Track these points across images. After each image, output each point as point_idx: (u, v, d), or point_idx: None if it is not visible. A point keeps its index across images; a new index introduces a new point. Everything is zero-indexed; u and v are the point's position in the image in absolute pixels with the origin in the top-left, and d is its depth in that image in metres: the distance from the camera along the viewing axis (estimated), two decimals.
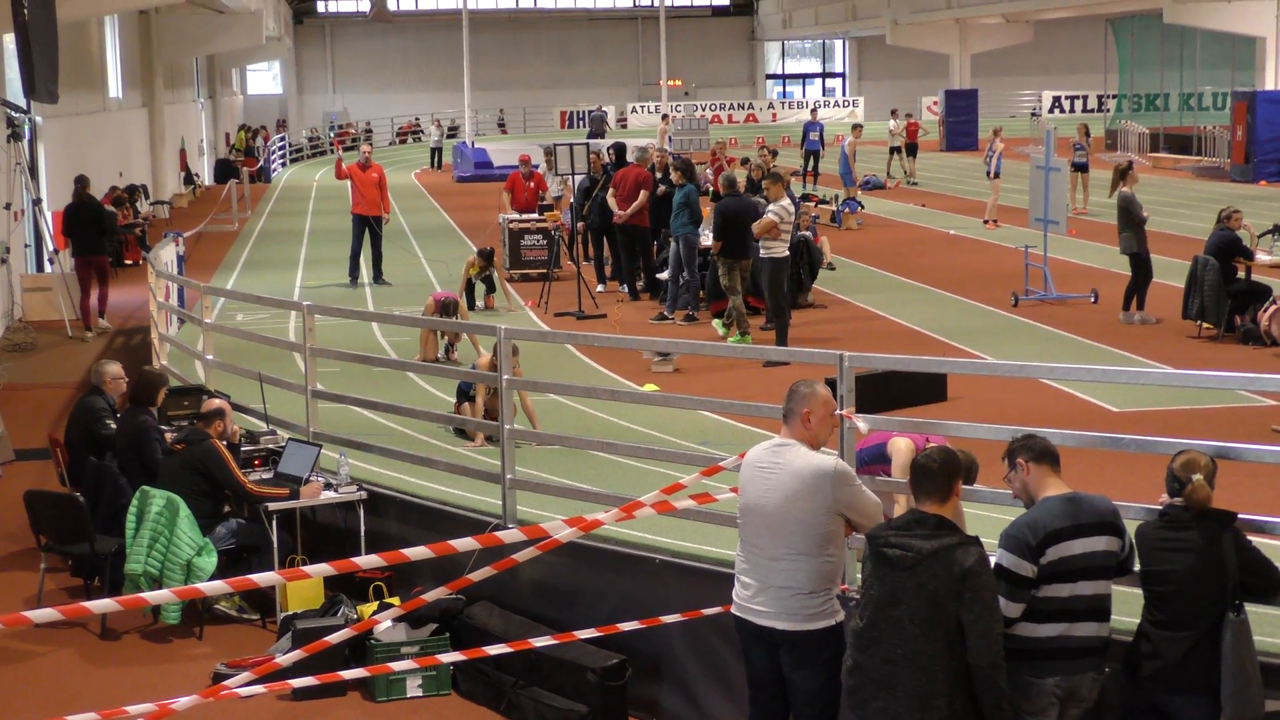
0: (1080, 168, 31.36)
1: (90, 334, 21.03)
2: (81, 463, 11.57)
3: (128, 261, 27.75)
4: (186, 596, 8.79)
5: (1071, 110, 69.60)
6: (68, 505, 10.67)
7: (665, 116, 50.35)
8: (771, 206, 16.99)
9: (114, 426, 11.71)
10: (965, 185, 38.99)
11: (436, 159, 52.55)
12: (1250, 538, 6.48)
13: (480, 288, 20.71)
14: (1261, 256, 17.94)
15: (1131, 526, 6.90)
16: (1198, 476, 6.31)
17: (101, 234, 22.03)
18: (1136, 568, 6.51)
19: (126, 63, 36.37)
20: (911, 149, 40.74)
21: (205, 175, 49.53)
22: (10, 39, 20.62)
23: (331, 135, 60.59)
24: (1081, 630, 6.31)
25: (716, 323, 18.18)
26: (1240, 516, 6.52)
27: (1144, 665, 6.33)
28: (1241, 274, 17.44)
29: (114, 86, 34.69)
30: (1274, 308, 16.59)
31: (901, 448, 8.71)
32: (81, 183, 22.05)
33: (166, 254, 19.26)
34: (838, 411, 7.45)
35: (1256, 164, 37.04)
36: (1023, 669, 6.31)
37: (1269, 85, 38.85)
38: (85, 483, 11.29)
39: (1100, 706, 6.46)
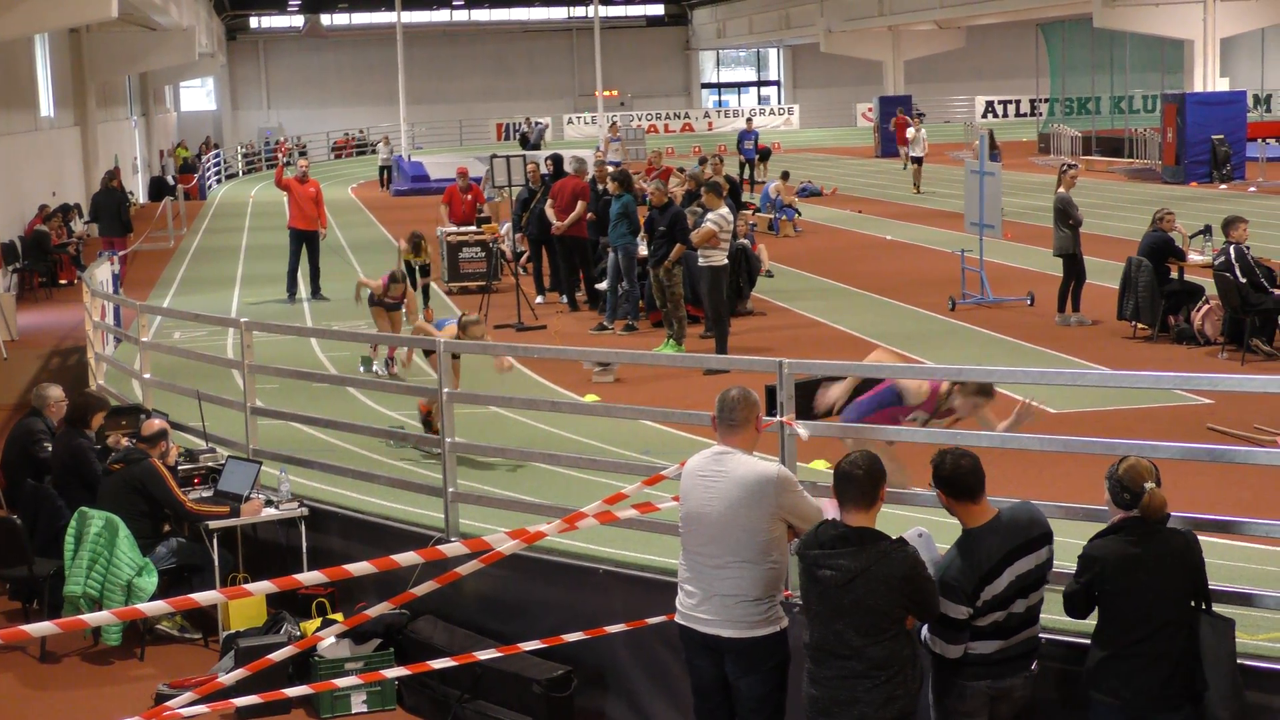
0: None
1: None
2: (19, 485, 11.47)
3: (62, 281, 27.61)
4: (127, 617, 8.72)
5: (1005, 115, 70.26)
6: (5, 528, 10.56)
7: (613, 125, 49.63)
8: (710, 215, 17.03)
9: (50, 449, 11.62)
10: (900, 190, 39.19)
11: (386, 176, 51.87)
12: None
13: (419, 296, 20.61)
14: (1194, 257, 18.14)
15: (1072, 527, 6.93)
16: (1150, 484, 6.09)
17: (119, 218, 26.16)
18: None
19: (58, 81, 36.01)
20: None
21: (140, 193, 49.11)
22: None
23: (273, 144, 60.09)
24: (1016, 638, 6.30)
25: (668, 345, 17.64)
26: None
27: (1122, 689, 6.11)
28: (1175, 274, 17.64)
29: (45, 105, 34.34)
30: (1206, 307, 16.78)
31: (910, 384, 8.78)
32: (110, 175, 26.63)
33: (102, 273, 19.09)
34: (779, 418, 7.51)
35: (1187, 165, 37.45)
36: (958, 675, 6.33)
37: (1198, 87, 39.29)
38: (22, 505, 11.18)
39: (1033, 704, 6.47)
